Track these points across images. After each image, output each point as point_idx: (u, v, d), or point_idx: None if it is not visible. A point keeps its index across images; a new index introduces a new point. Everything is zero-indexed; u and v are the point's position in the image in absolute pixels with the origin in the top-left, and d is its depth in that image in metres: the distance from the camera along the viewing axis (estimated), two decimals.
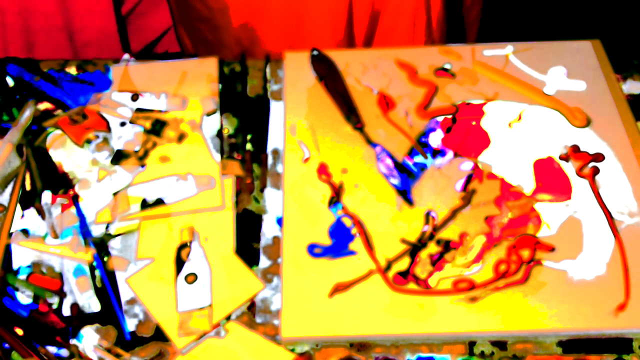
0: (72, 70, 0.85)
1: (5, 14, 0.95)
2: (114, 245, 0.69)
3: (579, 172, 0.72)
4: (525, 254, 0.66)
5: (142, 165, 0.74)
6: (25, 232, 0.69)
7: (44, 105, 0.81)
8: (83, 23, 1.01)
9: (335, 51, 0.85)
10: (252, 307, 0.65)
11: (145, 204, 0.71)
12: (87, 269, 0.66)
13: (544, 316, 0.62)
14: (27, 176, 0.73)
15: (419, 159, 0.74)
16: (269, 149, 0.77)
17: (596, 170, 0.72)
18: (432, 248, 0.67)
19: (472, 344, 0.62)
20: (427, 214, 0.70)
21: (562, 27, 1.43)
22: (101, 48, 1.04)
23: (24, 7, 0.96)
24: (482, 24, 1.11)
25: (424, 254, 0.67)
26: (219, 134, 0.78)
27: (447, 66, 0.83)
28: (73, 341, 0.62)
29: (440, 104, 0.79)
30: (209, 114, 0.79)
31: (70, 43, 1.02)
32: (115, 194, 0.72)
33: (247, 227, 0.71)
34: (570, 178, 0.72)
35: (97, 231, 0.70)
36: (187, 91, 0.81)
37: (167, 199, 0.71)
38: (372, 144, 0.76)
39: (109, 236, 0.70)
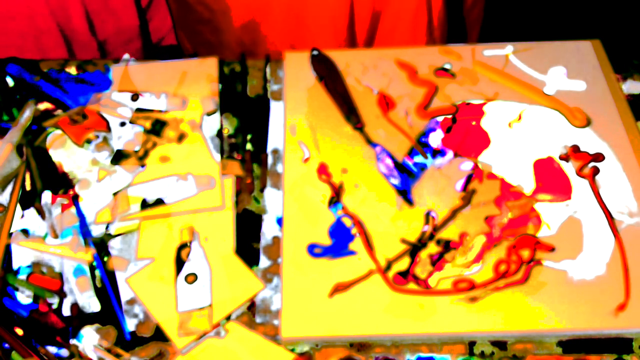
0: (72, 70, 0.85)
1: (36, 16, 0.95)
2: (114, 245, 0.69)
3: (579, 172, 0.72)
4: (525, 254, 0.66)
5: (142, 165, 0.74)
6: (25, 232, 0.69)
7: (44, 105, 0.81)
8: (110, 23, 1.01)
9: (335, 51, 0.85)
10: (252, 307, 0.65)
11: (145, 204, 0.71)
12: (87, 269, 0.66)
13: (544, 316, 0.62)
14: (27, 176, 0.73)
15: (419, 159, 0.74)
16: (269, 149, 0.77)
17: (596, 170, 0.72)
18: (432, 248, 0.67)
19: (472, 344, 0.62)
20: (427, 214, 0.70)
21: (562, 27, 1.43)
22: (128, 47, 1.05)
23: (54, 8, 0.96)
24: (484, 24, 1.11)
25: (424, 254, 0.67)
26: (219, 134, 0.78)
27: (447, 66, 0.83)
28: (73, 341, 0.62)
29: (440, 104, 0.79)
30: (209, 114, 0.79)
31: (101, 43, 1.03)
32: (115, 194, 0.72)
33: (247, 227, 0.71)
34: (570, 178, 0.72)
35: (97, 231, 0.70)
36: (187, 91, 0.81)
37: (167, 199, 0.72)
38: (372, 144, 0.76)
39: (109, 236, 0.70)
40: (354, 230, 0.69)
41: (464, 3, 1.05)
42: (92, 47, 1.02)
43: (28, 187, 0.73)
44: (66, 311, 0.64)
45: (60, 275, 0.67)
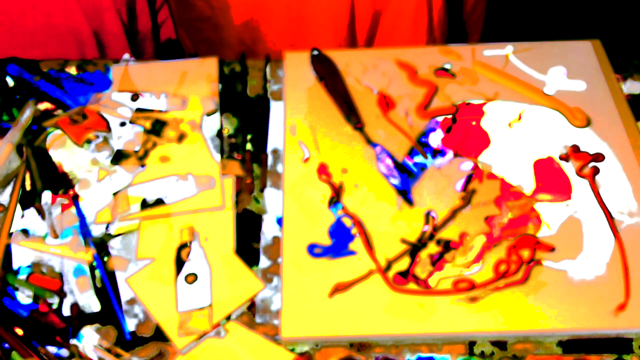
0: (72, 70, 0.85)
1: (74, 16, 0.96)
2: (114, 245, 0.69)
3: (579, 172, 0.72)
4: (525, 254, 0.66)
5: (142, 165, 0.74)
6: (25, 232, 0.69)
7: (44, 105, 0.81)
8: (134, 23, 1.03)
9: (335, 51, 0.85)
10: (252, 307, 0.65)
11: (145, 204, 0.71)
12: (87, 269, 0.66)
13: (544, 316, 0.62)
14: (27, 176, 0.73)
15: (419, 159, 0.74)
16: (269, 149, 0.77)
17: (596, 170, 0.72)
18: (432, 248, 0.67)
19: (472, 344, 0.62)
20: (427, 214, 0.70)
21: (562, 27, 1.43)
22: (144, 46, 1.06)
23: (90, 9, 0.96)
24: (484, 24, 1.11)
25: (424, 254, 0.67)
26: (219, 134, 0.78)
27: (447, 66, 0.83)
28: (73, 341, 0.62)
29: (440, 104, 0.79)
30: (209, 114, 0.79)
31: (133, 42, 1.03)
32: (115, 194, 0.72)
33: (247, 227, 0.71)
34: (570, 178, 0.72)
35: (97, 231, 0.70)
36: (187, 91, 0.81)
37: (167, 199, 0.72)
38: (372, 144, 0.76)
39: (109, 236, 0.70)
40: (354, 230, 0.69)
41: (465, 4, 1.05)
42: (124, 46, 1.02)
43: (28, 187, 0.73)
44: (66, 311, 0.64)
45: (60, 275, 0.67)
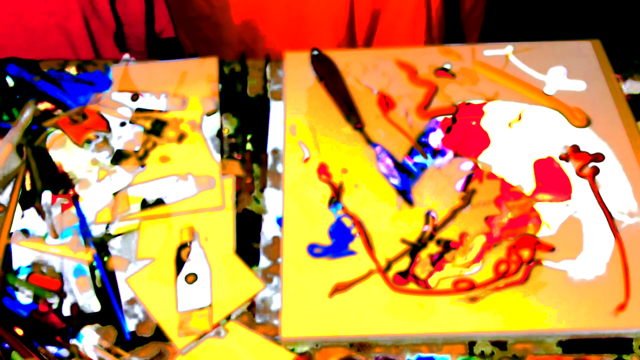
0: (72, 70, 0.85)
1: (74, 15, 0.96)
2: (114, 245, 0.69)
3: (579, 172, 0.72)
4: (525, 254, 0.66)
5: (142, 165, 0.74)
6: (25, 232, 0.69)
7: (44, 105, 0.81)
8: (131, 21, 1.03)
9: (335, 51, 0.85)
10: (252, 307, 0.65)
11: (145, 204, 0.71)
12: (87, 269, 0.66)
13: (544, 316, 0.62)
14: (27, 176, 0.73)
15: (419, 159, 0.74)
16: (269, 149, 0.77)
17: (596, 170, 0.72)
18: (432, 248, 0.67)
19: (472, 344, 0.62)
20: (427, 214, 0.70)
21: (562, 27, 1.43)
22: (136, 41, 1.06)
23: (84, 9, 0.97)
24: (484, 24, 1.11)
25: (424, 254, 0.67)
26: (219, 134, 0.78)
27: (447, 66, 0.83)
28: (73, 341, 0.62)
29: (440, 104, 0.79)
30: (209, 114, 0.79)
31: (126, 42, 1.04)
32: (115, 194, 0.72)
33: (247, 227, 0.71)
34: (570, 178, 0.72)
35: (97, 231, 0.70)
36: (187, 91, 0.81)
37: (167, 199, 0.71)
38: (372, 144, 0.76)
39: (109, 236, 0.70)
40: (354, 230, 0.69)
41: (463, 4, 1.05)
42: (118, 45, 1.03)
43: (28, 187, 0.73)
44: (66, 311, 0.64)
45: (60, 275, 0.67)
